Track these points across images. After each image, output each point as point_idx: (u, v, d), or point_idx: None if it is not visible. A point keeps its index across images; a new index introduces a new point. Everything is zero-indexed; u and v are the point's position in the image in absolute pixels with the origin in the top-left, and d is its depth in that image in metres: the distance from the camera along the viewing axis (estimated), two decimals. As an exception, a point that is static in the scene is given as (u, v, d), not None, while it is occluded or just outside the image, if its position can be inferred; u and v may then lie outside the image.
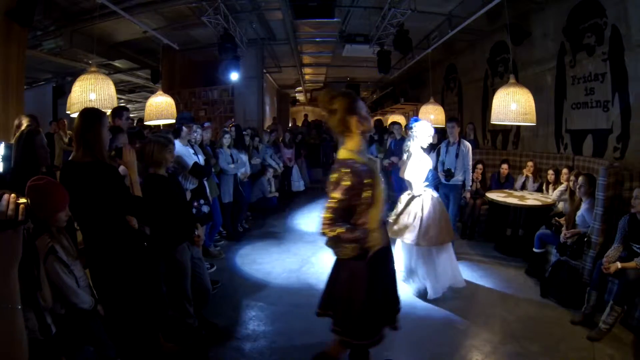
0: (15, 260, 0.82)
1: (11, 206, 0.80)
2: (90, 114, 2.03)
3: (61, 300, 1.76)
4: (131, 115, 9.67)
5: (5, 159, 1.32)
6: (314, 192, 8.17)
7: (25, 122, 2.78)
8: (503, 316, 3.00)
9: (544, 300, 3.26)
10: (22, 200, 0.82)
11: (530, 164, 4.93)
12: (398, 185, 6.23)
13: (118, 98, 3.81)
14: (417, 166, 3.35)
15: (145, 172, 2.62)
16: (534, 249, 3.87)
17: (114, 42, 7.03)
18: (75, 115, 3.07)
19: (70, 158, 2.04)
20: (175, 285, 2.59)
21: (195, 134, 4.15)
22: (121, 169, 2.26)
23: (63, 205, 1.72)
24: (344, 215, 1.74)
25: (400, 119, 11.02)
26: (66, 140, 6.00)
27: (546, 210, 4.21)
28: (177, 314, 2.62)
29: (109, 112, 3.21)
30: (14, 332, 0.82)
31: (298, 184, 7.88)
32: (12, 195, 0.81)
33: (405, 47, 5.92)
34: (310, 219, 6.10)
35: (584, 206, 3.46)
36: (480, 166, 5.22)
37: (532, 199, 4.33)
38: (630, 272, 2.63)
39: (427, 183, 3.48)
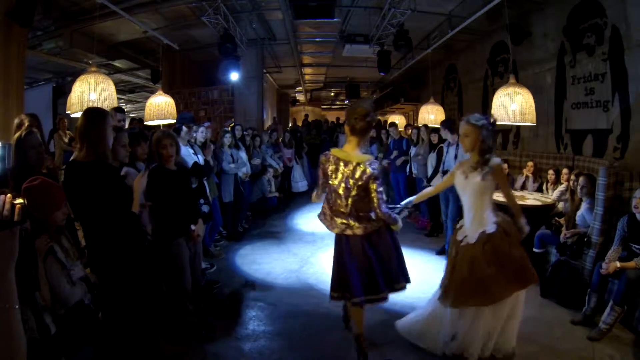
0: (11, 261, 0.82)
1: (7, 207, 0.80)
2: (95, 113, 2.03)
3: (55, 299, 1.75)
4: (132, 116, 9.61)
5: (1, 159, 1.32)
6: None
7: (26, 122, 2.76)
8: (503, 316, 2.99)
9: (544, 300, 3.25)
10: (19, 200, 0.82)
11: (530, 164, 4.92)
12: (395, 183, 6.24)
13: (118, 98, 3.81)
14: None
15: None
16: (534, 249, 3.85)
17: (114, 42, 7.03)
18: (75, 115, 3.07)
19: (73, 157, 2.04)
20: (173, 281, 2.59)
21: (198, 135, 4.15)
22: (123, 170, 2.26)
23: (59, 204, 1.72)
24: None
25: (400, 119, 11.01)
26: (66, 140, 5.98)
27: (546, 210, 4.19)
28: (177, 312, 2.62)
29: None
30: (12, 332, 0.82)
31: (300, 184, 7.76)
32: (9, 195, 0.81)
33: (405, 47, 5.92)
34: (310, 219, 6.09)
35: (584, 206, 3.45)
36: (480, 166, 5.19)
37: (532, 199, 4.32)
38: (630, 272, 2.62)
39: None
